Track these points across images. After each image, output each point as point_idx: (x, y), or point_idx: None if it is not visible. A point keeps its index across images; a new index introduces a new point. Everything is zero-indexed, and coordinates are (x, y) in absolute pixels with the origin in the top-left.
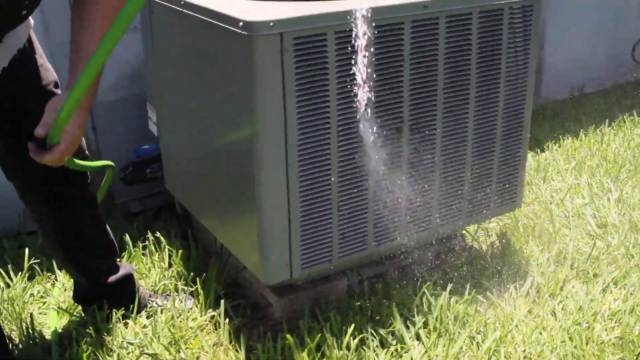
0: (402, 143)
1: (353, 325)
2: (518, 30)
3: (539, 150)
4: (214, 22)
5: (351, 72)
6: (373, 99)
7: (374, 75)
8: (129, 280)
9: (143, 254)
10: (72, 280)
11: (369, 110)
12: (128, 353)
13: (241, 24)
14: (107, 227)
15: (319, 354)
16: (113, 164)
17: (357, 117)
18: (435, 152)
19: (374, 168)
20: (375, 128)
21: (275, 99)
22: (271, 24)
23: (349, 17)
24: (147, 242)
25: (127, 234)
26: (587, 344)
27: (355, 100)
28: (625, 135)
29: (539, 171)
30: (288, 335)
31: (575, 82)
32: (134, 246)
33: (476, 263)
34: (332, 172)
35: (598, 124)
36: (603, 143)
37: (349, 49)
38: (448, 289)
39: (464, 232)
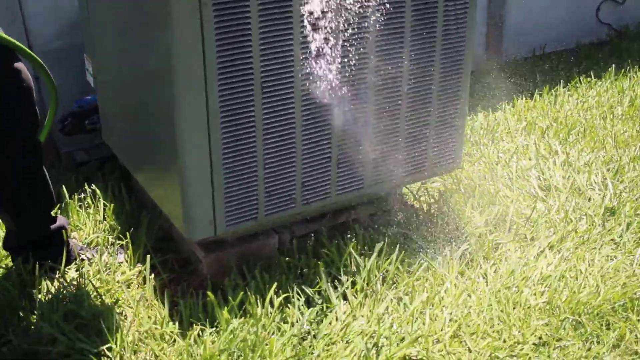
0: (332, 98)
1: (277, 283)
2: None
3: (491, 109)
4: None
5: (274, 26)
6: (299, 53)
7: (299, 29)
8: (61, 232)
9: (79, 207)
10: (4, 227)
11: (294, 65)
12: (53, 306)
13: None
14: (48, 177)
15: (241, 312)
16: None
17: (282, 72)
18: (369, 108)
19: (302, 124)
20: (301, 83)
21: (195, 55)
22: None
23: None
24: (84, 195)
25: (66, 185)
26: (514, 308)
27: (280, 55)
28: (579, 97)
29: (488, 131)
30: (209, 293)
31: (536, 42)
32: (71, 198)
33: (413, 222)
34: (257, 128)
35: (554, 84)
36: (556, 104)
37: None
38: (378, 248)
39: (405, 190)
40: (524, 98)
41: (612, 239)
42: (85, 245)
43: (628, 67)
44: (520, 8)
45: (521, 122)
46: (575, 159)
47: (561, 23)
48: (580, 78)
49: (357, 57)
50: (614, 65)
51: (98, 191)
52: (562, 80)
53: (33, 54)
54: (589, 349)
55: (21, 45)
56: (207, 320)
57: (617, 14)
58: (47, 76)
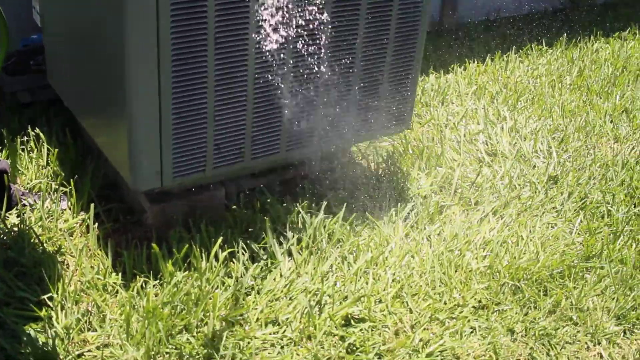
0: (286, 53)
1: (223, 237)
2: None
3: (443, 71)
4: None
5: None
6: (254, 4)
7: None
8: (2, 176)
9: (22, 150)
10: None
11: (249, 16)
12: None
13: None
14: None
15: (185, 265)
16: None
17: (237, 22)
18: (322, 66)
19: (254, 78)
20: (255, 35)
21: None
22: None
23: None
24: (27, 138)
25: (8, 127)
26: (455, 271)
27: (235, 3)
28: (530, 64)
29: (439, 93)
30: (154, 245)
31: (492, 5)
32: (13, 140)
33: (361, 182)
34: (208, 79)
35: (506, 50)
36: (507, 70)
37: None
38: (324, 206)
39: (354, 149)
40: (476, 62)
41: (553, 207)
42: (28, 191)
43: (579, 37)
44: None
45: (472, 86)
46: (523, 126)
47: None
48: (532, 45)
49: (311, 14)
50: (565, 34)
51: (42, 135)
52: (514, 46)
53: None
54: (526, 314)
55: None
56: (151, 272)
57: None
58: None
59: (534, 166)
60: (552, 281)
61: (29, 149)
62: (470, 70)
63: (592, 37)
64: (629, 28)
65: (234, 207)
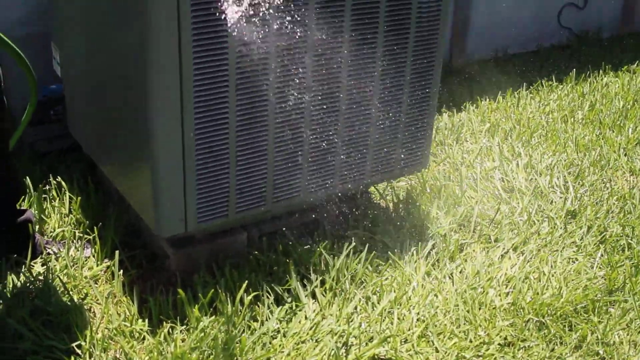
0: (304, 97)
1: (247, 281)
2: None
3: (455, 110)
4: None
5: (251, 19)
6: (274, 52)
7: (275, 24)
8: (26, 225)
9: (44, 198)
10: None
11: (269, 64)
12: (19, 301)
13: None
14: (14, 168)
15: (211, 310)
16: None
17: (257, 68)
18: (339, 109)
19: (274, 122)
20: (275, 83)
21: (170, 40)
22: None
23: None
24: (48, 186)
25: (30, 177)
26: (479, 308)
27: (255, 50)
28: (541, 99)
29: (453, 131)
30: (180, 290)
31: (500, 43)
32: (35, 189)
33: (380, 222)
34: (230, 125)
35: (517, 87)
36: (519, 106)
37: None
38: (348, 247)
39: (372, 189)
40: (488, 99)
41: (573, 242)
42: (52, 239)
43: (588, 72)
44: (484, 10)
45: (485, 123)
46: (538, 162)
47: (524, 26)
48: (542, 81)
49: (329, 58)
50: (574, 69)
51: (63, 183)
52: (524, 83)
53: (16, 49)
54: (553, 350)
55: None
56: (177, 317)
57: (577, 19)
58: (29, 73)
59: (552, 201)
60: (577, 316)
61: (51, 197)
62: (483, 108)
63: (601, 71)
64: (637, 61)
65: (257, 250)
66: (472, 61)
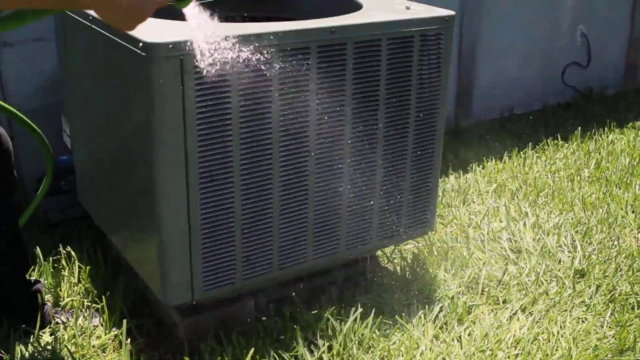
0: (307, 167)
1: (254, 348)
2: (429, 57)
3: (462, 171)
4: (117, 39)
5: (255, 96)
6: (278, 122)
7: (279, 99)
8: (35, 296)
9: (54, 268)
10: None
11: (273, 134)
12: None
13: (141, 44)
14: (23, 240)
15: None
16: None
17: (261, 140)
18: (344, 174)
19: (279, 192)
20: (279, 152)
21: (175, 120)
22: (170, 46)
23: (252, 40)
24: (58, 256)
25: (40, 246)
26: None
27: (259, 123)
28: (547, 158)
29: (460, 193)
30: (186, 358)
31: (505, 103)
32: (45, 259)
33: (388, 286)
34: (235, 194)
35: (523, 146)
36: (525, 166)
37: (253, 72)
38: (355, 312)
39: (379, 253)
40: (494, 160)
41: (582, 301)
42: (60, 309)
43: (593, 130)
44: (489, 70)
45: (491, 184)
46: (545, 221)
47: (529, 85)
48: (548, 140)
49: (332, 125)
50: (579, 127)
51: (73, 253)
52: (530, 142)
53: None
54: None
55: (18, 113)
56: None
57: (581, 77)
58: (46, 149)
59: (560, 261)
60: None
61: (60, 267)
62: (489, 169)
63: (606, 128)
64: None
65: (264, 317)
66: (478, 122)
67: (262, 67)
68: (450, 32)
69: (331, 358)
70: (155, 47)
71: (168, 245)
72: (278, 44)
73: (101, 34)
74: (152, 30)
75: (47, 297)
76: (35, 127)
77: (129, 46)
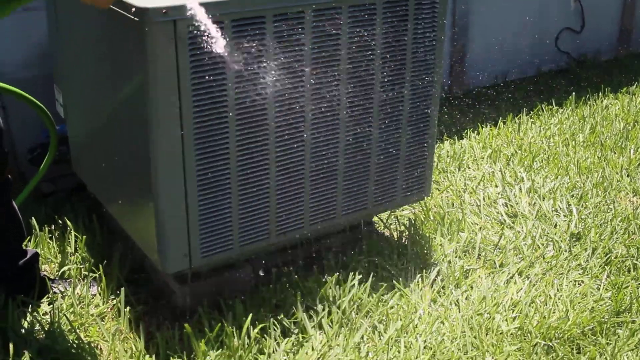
0: (303, 131)
1: (252, 314)
2: (423, 21)
3: (457, 137)
4: (110, 5)
5: (249, 61)
6: (273, 88)
7: (274, 65)
8: (32, 265)
9: (50, 238)
10: None
11: (268, 99)
12: (26, 341)
13: (134, 9)
14: (17, 210)
15: (218, 343)
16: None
17: (257, 106)
18: (339, 141)
19: (275, 157)
20: (275, 116)
21: (169, 87)
22: (164, 10)
23: (244, 4)
24: (53, 226)
25: (35, 217)
26: (486, 334)
27: (254, 89)
28: (542, 124)
29: (455, 159)
30: (186, 325)
31: (499, 70)
32: (41, 230)
33: (385, 251)
34: (231, 161)
35: (517, 112)
36: (520, 132)
37: (247, 37)
38: (353, 278)
39: (376, 219)
40: (488, 126)
41: (578, 264)
42: (57, 278)
43: (587, 95)
44: (482, 37)
45: (486, 149)
46: (540, 186)
47: (522, 51)
48: (542, 106)
49: (328, 90)
50: (574, 93)
51: (68, 222)
52: (524, 108)
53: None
54: None
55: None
56: (184, 352)
57: (575, 43)
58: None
59: (556, 225)
60: (585, 338)
61: (56, 236)
62: (484, 135)
63: (600, 94)
64: (636, 83)
65: (263, 283)
66: (472, 88)
67: (255, 31)
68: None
69: (330, 323)
70: (149, 12)
71: (164, 212)
72: (273, 8)
73: None
74: None
75: (44, 267)
76: (36, 101)
77: (122, 12)
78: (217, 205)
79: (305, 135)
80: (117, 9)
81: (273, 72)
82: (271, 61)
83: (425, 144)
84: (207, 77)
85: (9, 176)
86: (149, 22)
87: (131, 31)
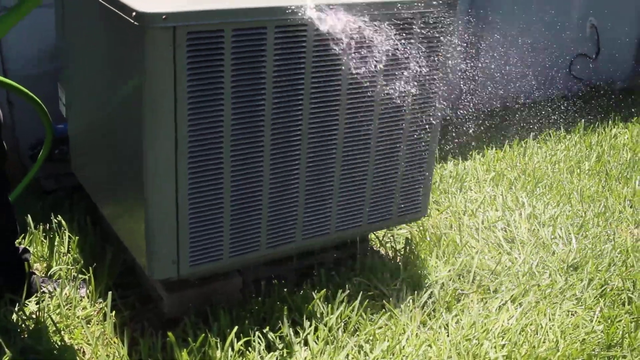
0: (300, 145)
1: (238, 326)
2: (428, 40)
3: (461, 158)
4: (112, 8)
5: (248, 72)
6: (270, 97)
7: (272, 76)
8: (23, 264)
9: (44, 237)
10: None
11: (264, 111)
12: (10, 339)
13: (134, 14)
14: (11, 207)
15: (200, 354)
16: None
17: (252, 114)
18: (337, 155)
19: (269, 169)
20: (271, 129)
21: (166, 92)
22: (164, 16)
23: (247, 14)
24: (48, 225)
25: (32, 214)
26: None
27: (251, 100)
28: (548, 149)
29: (457, 180)
30: (170, 334)
31: (510, 92)
32: (36, 227)
33: (378, 269)
34: (224, 171)
35: (524, 136)
36: (525, 156)
37: (248, 48)
38: (342, 295)
39: (372, 236)
40: (495, 148)
41: (573, 294)
42: (47, 278)
43: (597, 123)
44: (494, 58)
45: (490, 172)
46: (541, 212)
47: (535, 75)
48: (550, 131)
49: (327, 106)
50: (583, 120)
51: (64, 222)
52: (532, 133)
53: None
54: None
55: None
56: None
57: (589, 70)
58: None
59: (553, 253)
60: None
61: (50, 235)
62: (489, 157)
63: (610, 122)
64: None
65: (251, 295)
66: (483, 110)
67: (256, 42)
68: (450, 17)
69: (316, 340)
70: (149, 17)
71: (155, 217)
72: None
73: (97, 1)
74: (147, 1)
75: (36, 265)
76: (36, 98)
77: (123, 15)
78: (208, 214)
79: (300, 149)
80: (118, 12)
81: (271, 84)
82: (269, 74)
83: (424, 164)
84: (203, 85)
85: (6, 171)
86: (149, 27)
87: (131, 35)
